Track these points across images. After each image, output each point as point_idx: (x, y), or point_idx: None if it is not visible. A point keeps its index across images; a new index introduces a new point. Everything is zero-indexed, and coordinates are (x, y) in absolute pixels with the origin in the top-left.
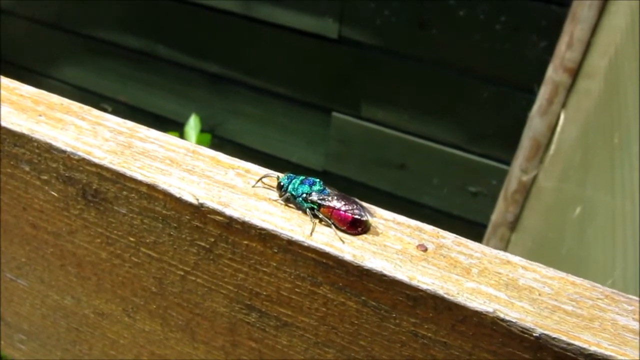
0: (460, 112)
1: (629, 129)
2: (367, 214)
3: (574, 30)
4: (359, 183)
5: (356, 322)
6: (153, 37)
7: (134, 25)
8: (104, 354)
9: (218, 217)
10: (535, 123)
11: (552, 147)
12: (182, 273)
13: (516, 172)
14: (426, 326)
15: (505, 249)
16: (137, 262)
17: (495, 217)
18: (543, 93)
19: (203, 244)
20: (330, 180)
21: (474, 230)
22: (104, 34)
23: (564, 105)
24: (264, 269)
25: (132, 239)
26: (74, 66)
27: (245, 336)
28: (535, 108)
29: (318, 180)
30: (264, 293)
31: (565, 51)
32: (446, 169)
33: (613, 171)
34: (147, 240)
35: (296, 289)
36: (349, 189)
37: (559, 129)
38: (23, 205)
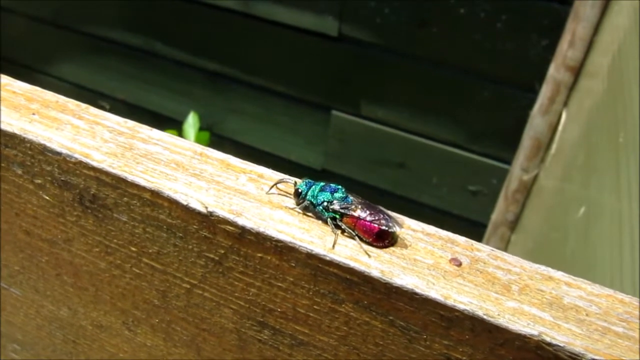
0: (460, 110)
1: (634, 128)
2: (395, 225)
3: (576, 29)
4: (358, 182)
5: (381, 342)
6: (152, 35)
7: (132, 22)
8: None
9: (229, 227)
10: (536, 122)
11: (554, 146)
12: (187, 286)
13: (517, 172)
14: (461, 349)
15: (505, 249)
16: (139, 274)
17: (495, 216)
18: (544, 92)
19: (212, 255)
20: (329, 179)
21: (474, 229)
22: (103, 32)
23: (565, 104)
24: (279, 284)
25: (133, 248)
26: (72, 64)
27: (256, 354)
28: (537, 107)
29: (340, 187)
30: (279, 309)
31: (567, 50)
32: (446, 168)
33: (618, 171)
34: (150, 251)
35: (315, 306)
36: (348, 188)
37: (560, 128)
38: (15, 210)
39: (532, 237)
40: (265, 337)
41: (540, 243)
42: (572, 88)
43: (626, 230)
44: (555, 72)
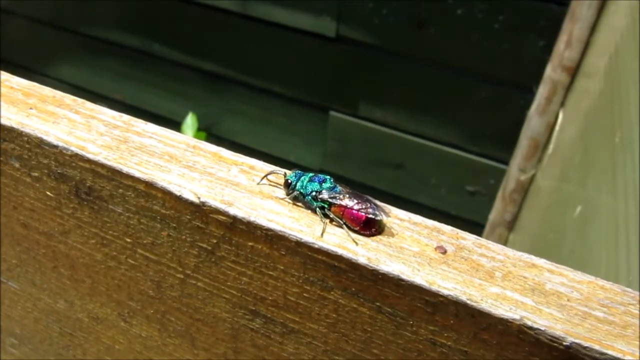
0: (458, 111)
1: (630, 129)
2: (382, 214)
3: (572, 30)
4: (356, 183)
5: (369, 329)
6: (149, 36)
7: (130, 23)
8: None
9: (221, 217)
10: (533, 122)
11: (551, 146)
12: (181, 276)
13: (514, 172)
14: (446, 334)
15: None
16: (134, 265)
17: (493, 216)
18: (542, 92)
19: (204, 245)
20: None
21: (471, 230)
22: (101, 32)
23: (562, 104)
24: (270, 273)
25: (128, 239)
26: (70, 64)
27: (249, 343)
28: (534, 107)
29: (328, 177)
30: (270, 298)
31: (564, 50)
32: (444, 168)
33: (615, 171)
34: (145, 242)
35: (304, 294)
36: None
37: (557, 128)
38: (13, 203)
39: (529, 237)
40: (257, 325)
41: (537, 243)
42: (569, 88)
43: (622, 229)
44: (552, 72)
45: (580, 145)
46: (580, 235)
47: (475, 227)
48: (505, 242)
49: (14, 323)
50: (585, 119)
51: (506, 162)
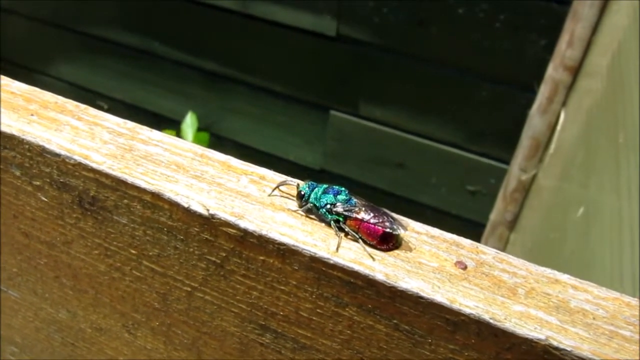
0: (459, 110)
1: (634, 128)
2: (400, 227)
3: (574, 29)
4: (357, 182)
5: (385, 346)
6: (150, 35)
7: (130, 22)
8: None
9: (231, 230)
10: (535, 122)
11: (552, 146)
12: (188, 289)
13: (515, 171)
14: (466, 353)
15: (504, 249)
16: (139, 276)
17: (494, 216)
18: (543, 92)
19: (213, 258)
20: (328, 179)
21: (472, 229)
22: (101, 31)
23: (564, 104)
24: (282, 288)
25: (133, 251)
26: (70, 63)
27: (258, 358)
28: (535, 107)
29: (343, 189)
30: (281, 313)
31: (565, 49)
32: (445, 167)
33: (618, 171)
34: (151, 253)
35: (318, 310)
36: (347, 188)
37: (559, 127)
38: (14, 212)
39: (531, 237)
40: (267, 340)
41: (539, 243)
42: (570, 88)
43: (626, 230)
44: (554, 71)
45: (583, 145)
46: (583, 236)
47: (476, 226)
48: (506, 242)
49: (15, 332)
50: (588, 119)
51: (507, 162)
